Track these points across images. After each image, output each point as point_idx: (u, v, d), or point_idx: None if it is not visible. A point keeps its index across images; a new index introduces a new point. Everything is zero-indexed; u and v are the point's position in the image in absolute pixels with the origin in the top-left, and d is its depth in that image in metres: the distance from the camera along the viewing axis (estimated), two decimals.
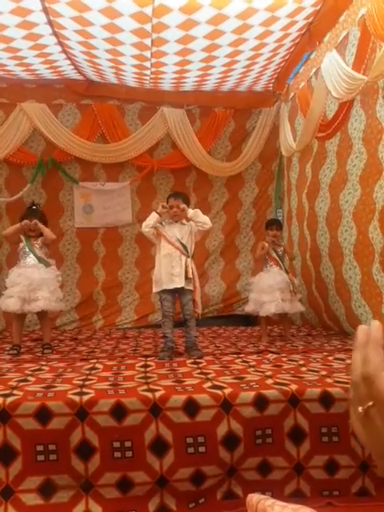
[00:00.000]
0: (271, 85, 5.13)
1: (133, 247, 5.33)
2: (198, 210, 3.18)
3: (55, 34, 3.83)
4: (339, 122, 3.79)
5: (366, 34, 3.22)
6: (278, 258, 3.84)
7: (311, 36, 4.02)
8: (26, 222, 3.37)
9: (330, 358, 2.89)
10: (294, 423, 1.99)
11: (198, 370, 2.55)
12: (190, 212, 3.15)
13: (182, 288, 3.08)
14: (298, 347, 3.40)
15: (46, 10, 3.49)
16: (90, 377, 2.38)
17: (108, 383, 2.22)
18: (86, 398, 1.93)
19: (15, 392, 2.01)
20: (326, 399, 2.02)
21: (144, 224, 3.21)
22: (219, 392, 2.01)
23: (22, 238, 3.38)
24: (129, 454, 1.87)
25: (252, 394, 2.00)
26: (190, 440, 1.90)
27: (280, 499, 0.95)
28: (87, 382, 2.22)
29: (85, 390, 2.05)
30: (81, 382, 2.22)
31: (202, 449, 1.90)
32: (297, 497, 1.92)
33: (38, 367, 2.72)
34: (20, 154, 4.93)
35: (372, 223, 3.34)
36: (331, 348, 3.32)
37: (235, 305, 5.43)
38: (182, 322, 3.24)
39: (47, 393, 2.03)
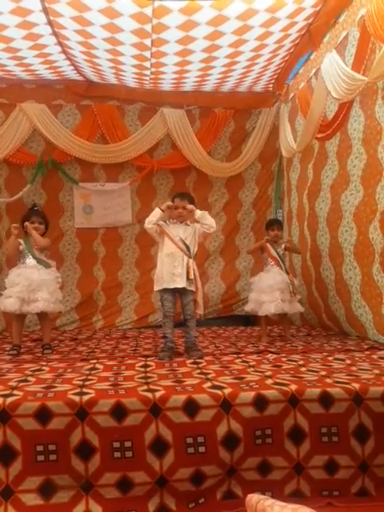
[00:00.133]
0: (271, 85, 5.14)
1: (133, 247, 5.33)
2: (205, 212, 3.19)
3: (55, 33, 3.84)
4: (339, 122, 3.79)
5: (366, 35, 3.22)
6: (278, 258, 3.84)
7: (311, 37, 4.02)
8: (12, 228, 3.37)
9: (330, 358, 2.89)
10: (293, 423, 1.99)
11: (198, 370, 2.55)
12: (198, 213, 3.16)
13: (184, 288, 3.08)
14: (297, 347, 3.40)
15: (45, 10, 3.50)
16: (90, 377, 2.38)
17: (108, 383, 2.22)
18: (86, 398, 1.93)
19: (15, 392, 2.01)
20: (326, 399, 2.02)
21: (147, 220, 3.21)
22: (219, 392, 2.01)
23: (21, 240, 3.37)
24: (129, 454, 1.87)
25: (252, 394, 2.00)
26: (189, 440, 1.90)
27: (280, 499, 0.96)
28: (87, 382, 2.22)
29: (85, 390, 2.05)
30: (81, 382, 2.22)
31: (201, 449, 1.90)
32: (297, 497, 1.92)
33: (38, 367, 2.72)
34: (20, 154, 4.93)
35: (372, 224, 3.34)
36: (331, 348, 3.32)
37: (235, 305, 5.43)
38: (182, 323, 3.24)
39: (47, 393, 2.03)
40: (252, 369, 2.56)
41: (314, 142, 4.36)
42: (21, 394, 1.99)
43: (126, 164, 5.23)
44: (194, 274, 3.10)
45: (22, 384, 2.20)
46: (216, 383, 2.17)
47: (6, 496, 1.81)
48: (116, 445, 1.87)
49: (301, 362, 2.73)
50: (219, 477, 1.92)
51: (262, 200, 5.56)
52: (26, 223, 3.37)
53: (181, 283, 3.06)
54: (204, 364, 2.76)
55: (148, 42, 3.91)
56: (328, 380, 2.21)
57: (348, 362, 2.74)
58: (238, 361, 2.85)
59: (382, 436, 2.01)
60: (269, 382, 2.18)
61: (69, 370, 2.59)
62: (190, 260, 3.11)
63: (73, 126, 5.10)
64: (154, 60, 4.26)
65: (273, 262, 3.85)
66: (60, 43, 4.01)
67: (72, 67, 4.57)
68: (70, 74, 4.76)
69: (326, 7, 3.64)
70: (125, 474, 1.86)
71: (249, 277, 5.01)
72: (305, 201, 4.65)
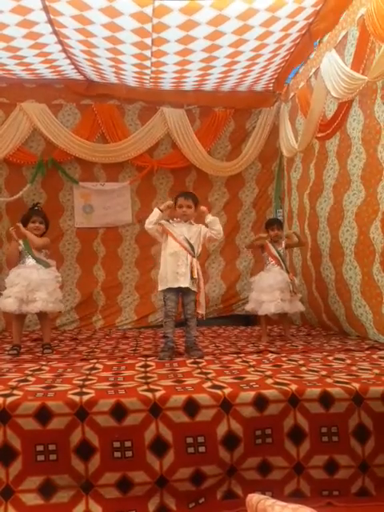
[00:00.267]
0: (271, 85, 5.13)
1: (133, 247, 5.33)
2: (216, 218, 3.24)
3: (55, 32, 3.83)
4: (338, 122, 3.79)
5: (365, 34, 3.22)
6: (279, 257, 3.84)
7: (311, 36, 4.02)
8: (11, 230, 3.37)
9: (330, 357, 2.89)
10: (293, 423, 1.99)
11: (198, 370, 2.55)
12: (210, 218, 3.20)
13: (187, 288, 3.07)
14: (297, 347, 3.40)
15: (46, 9, 3.49)
16: (90, 377, 2.38)
17: (108, 383, 2.22)
18: (86, 398, 1.93)
19: (15, 392, 2.01)
20: (326, 399, 2.02)
21: (147, 221, 3.21)
22: (219, 392, 2.01)
23: (20, 241, 3.37)
24: (129, 453, 1.87)
25: (252, 393, 2.00)
26: (189, 440, 1.90)
27: (280, 499, 0.96)
28: (87, 382, 2.22)
29: (85, 390, 2.05)
30: (81, 382, 2.22)
31: (201, 449, 1.90)
32: (297, 497, 1.92)
33: (38, 367, 2.72)
34: (20, 153, 4.93)
35: (374, 223, 3.34)
36: (331, 348, 3.32)
37: (235, 305, 5.43)
38: (183, 322, 3.24)
39: (47, 393, 2.02)
40: (252, 368, 2.56)
41: (315, 142, 4.36)
42: (21, 393, 1.99)
43: (126, 163, 5.23)
44: (198, 273, 3.09)
45: (21, 384, 2.20)
46: (216, 383, 2.17)
47: (6, 496, 1.81)
48: (116, 445, 1.87)
49: (301, 362, 2.73)
50: (219, 477, 1.91)
51: (262, 199, 5.56)
52: (18, 224, 3.36)
53: (184, 283, 3.05)
54: (204, 364, 2.76)
55: (148, 41, 3.91)
56: (328, 380, 2.21)
57: (348, 361, 2.74)
58: (238, 360, 2.85)
59: (382, 436, 2.01)
60: (269, 381, 2.18)
61: (69, 370, 2.59)
62: (194, 259, 3.10)
63: (73, 126, 5.10)
64: (154, 59, 4.26)
65: (273, 262, 3.85)
66: (60, 42, 4.01)
67: (72, 66, 4.56)
68: (70, 73, 4.76)
69: (327, 7, 3.64)
70: (125, 473, 1.86)
71: (249, 276, 5.01)
72: (306, 200, 4.64)
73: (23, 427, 1.86)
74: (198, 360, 2.89)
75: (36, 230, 3.43)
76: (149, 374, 2.43)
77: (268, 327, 4.17)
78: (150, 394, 1.97)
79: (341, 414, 2.01)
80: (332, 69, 3.64)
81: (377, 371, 2.41)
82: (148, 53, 4.12)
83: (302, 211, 4.75)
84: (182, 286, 3.06)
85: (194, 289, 3.09)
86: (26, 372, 2.55)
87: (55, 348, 3.52)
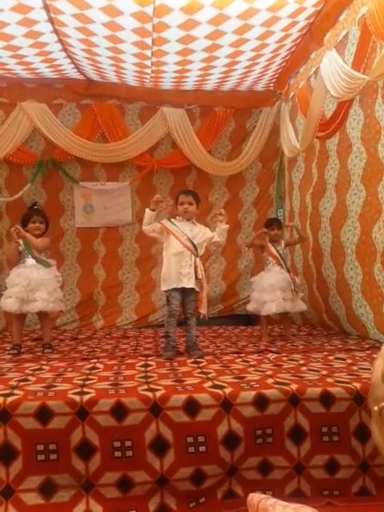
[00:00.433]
0: (272, 84, 5.13)
1: (133, 247, 5.33)
2: (227, 227, 3.29)
3: (56, 31, 3.83)
4: (339, 121, 3.79)
5: (366, 34, 3.22)
6: (279, 257, 3.84)
7: (312, 36, 4.01)
8: (12, 231, 3.36)
9: (331, 357, 2.89)
10: (294, 423, 1.99)
11: (199, 370, 2.55)
12: (223, 226, 3.23)
13: (190, 288, 3.07)
14: (298, 347, 3.40)
15: (46, 7, 3.48)
16: (90, 376, 2.38)
17: (108, 383, 2.21)
18: (86, 397, 1.93)
19: (16, 391, 2.01)
20: (327, 399, 2.02)
21: (143, 224, 3.20)
22: (220, 391, 2.01)
23: (20, 241, 3.37)
24: (129, 453, 1.87)
25: (252, 393, 2.00)
26: (190, 439, 1.90)
27: (280, 499, 0.95)
28: (88, 382, 2.22)
29: (85, 389, 2.05)
30: (81, 382, 2.22)
31: (202, 448, 1.90)
32: (297, 496, 1.92)
33: (38, 367, 2.72)
34: (20, 153, 4.93)
35: (377, 224, 3.33)
36: (332, 348, 3.32)
37: (235, 305, 5.43)
38: (182, 322, 3.23)
39: (47, 392, 2.02)
40: (253, 368, 2.56)
41: (315, 141, 4.36)
42: (21, 393, 1.99)
43: (127, 163, 5.23)
44: (202, 273, 3.09)
45: (22, 383, 2.20)
46: (217, 383, 2.17)
47: (6, 495, 1.81)
48: (116, 444, 1.87)
49: (301, 362, 2.73)
50: (220, 476, 1.91)
51: (262, 199, 5.56)
52: (17, 225, 3.36)
53: (189, 283, 3.04)
54: (204, 363, 2.75)
55: (149, 40, 3.91)
56: (329, 379, 2.21)
57: (349, 361, 2.74)
58: (238, 360, 2.85)
59: None
60: (269, 381, 2.18)
61: (69, 370, 2.59)
62: (197, 259, 3.09)
63: (73, 125, 5.09)
64: (154, 59, 4.25)
65: (273, 261, 3.84)
66: (61, 41, 4.00)
67: (72, 65, 4.56)
68: (71, 72, 4.76)
69: (328, 7, 3.63)
70: (125, 473, 1.86)
71: (249, 276, 5.01)
72: (308, 200, 4.63)
73: (23, 427, 1.86)
74: (198, 360, 2.89)
75: (36, 230, 3.42)
76: (149, 374, 2.43)
77: (269, 327, 4.17)
78: (150, 394, 1.97)
79: (341, 413, 2.01)
80: (332, 68, 3.64)
81: None
82: (148, 52, 4.12)
83: (304, 211, 4.75)
84: (186, 286, 3.04)
85: (198, 289, 3.08)
86: (27, 371, 2.55)
87: (55, 347, 3.52)
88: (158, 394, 1.97)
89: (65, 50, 4.18)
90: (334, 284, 4.09)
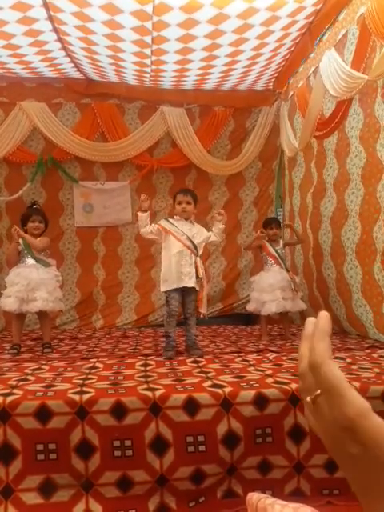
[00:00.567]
0: (271, 84, 5.13)
1: (133, 246, 5.32)
2: (224, 227, 3.32)
3: (55, 29, 3.82)
4: (337, 120, 3.79)
5: (366, 33, 3.21)
6: (277, 256, 3.84)
7: (312, 35, 4.01)
8: (13, 232, 3.36)
9: None
10: (294, 422, 1.99)
11: (198, 369, 2.55)
12: (221, 227, 3.24)
13: (192, 287, 3.06)
14: (298, 346, 3.39)
15: (46, 5, 3.48)
16: (90, 376, 2.38)
17: (108, 382, 2.21)
18: (86, 397, 1.93)
19: (15, 391, 2.01)
20: None
21: (139, 227, 3.21)
22: (219, 391, 2.01)
23: (20, 241, 3.36)
24: (129, 452, 1.87)
25: (252, 392, 2.00)
26: (190, 439, 1.90)
27: (280, 498, 0.95)
28: (87, 381, 2.22)
29: (85, 389, 2.05)
30: (81, 381, 2.22)
31: (202, 447, 1.90)
32: (297, 496, 1.92)
33: (37, 366, 2.72)
34: (19, 152, 4.92)
35: (377, 223, 3.33)
36: (331, 347, 3.31)
37: (235, 304, 5.43)
38: (182, 322, 3.23)
39: (47, 392, 2.02)
40: (252, 367, 2.56)
41: (313, 141, 4.36)
42: (21, 392, 1.99)
43: (126, 162, 5.23)
44: (203, 272, 3.08)
45: (21, 383, 2.20)
46: (216, 382, 2.17)
47: (6, 495, 1.81)
48: (116, 444, 1.87)
49: None
50: (219, 475, 1.91)
51: (262, 199, 5.55)
52: (15, 226, 3.35)
53: (189, 283, 3.03)
54: (204, 363, 2.76)
55: (148, 39, 3.90)
56: None
57: (348, 360, 2.74)
58: (238, 359, 2.85)
59: None
60: (269, 380, 2.18)
61: (69, 369, 2.59)
62: (198, 258, 3.08)
63: (72, 125, 5.09)
64: (154, 58, 4.25)
65: (272, 261, 3.84)
66: (60, 39, 4.00)
67: (72, 64, 4.56)
68: (70, 71, 4.76)
69: (327, 6, 3.63)
70: (125, 472, 1.86)
71: (249, 275, 5.01)
72: (309, 200, 4.63)
73: (23, 426, 1.86)
74: (198, 359, 2.89)
75: (36, 230, 3.42)
76: (149, 373, 2.43)
77: (268, 326, 4.17)
78: (150, 393, 1.97)
79: None
80: (331, 67, 3.64)
81: (377, 370, 2.41)
82: (148, 51, 4.12)
83: (304, 210, 4.74)
84: (187, 285, 3.04)
85: (199, 288, 3.08)
86: (26, 371, 2.55)
87: (55, 347, 3.52)
88: (158, 393, 1.97)
89: (64, 48, 4.18)
90: (333, 284, 4.10)
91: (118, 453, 1.87)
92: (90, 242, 5.26)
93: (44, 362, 2.85)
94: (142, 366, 2.69)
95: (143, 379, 2.26)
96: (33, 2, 3.43)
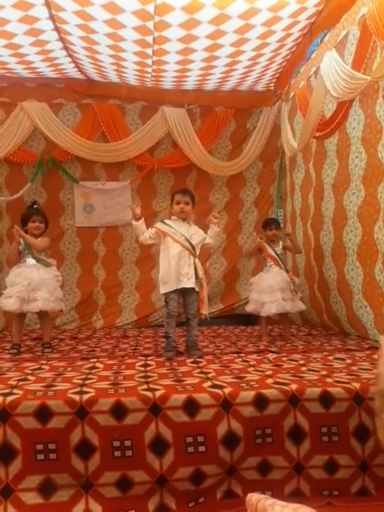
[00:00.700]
0: (272, 84, 5.13)
1: (133, 247, 5.32)
2: (220, 230, 3.36)
3: (57, 29, 3.82)
4: (338, 121, 3.79)
5: (366, 34, 3.21)
6: (277, 258, 3.83)
7: (313, 36, 4.01)
8: (14, 232, 3.36)
9: (330, 357, 2.88)
10: (293, 423, 1.99)
11: (198, 370, 2.55)
12: (217, 229, 3.26)
13: (189, 288, 3.06)
14: (298, 347, 3.40)
15: (48, 4, 3.47)
16: (90, 376, 2.38)
17: (108, 382, 2.21)
18: (86, 397, 1.93)
19: (15, 391, 2.01)
20: (326, 399, 2.02)
21: (137, 236, 3.23)
22: (219, 391, 2.01)
23: (21, 240, 3.36)
24: (129, 453, 1.87)
25: (252, 393, 2.00)
26: (189, 439, 1.90)
27: (280, 499, 0.95)
28: (87, 381, 2.22)
29: (85, 389, 2.05)
30: (81, 381, 2.22)
31: (201, 448, 1.90)
32: (297, 496, 1.92)
33: (38, 366, 2.72)
34: (20, 152, 4.93)
35: (377, 224, 3.33)
36: (331, 348, 3.32)
37: (235, 304, 5.43)
38: (182, 322, 3.22)
39: (47, 392, 2.02)
40: (252, 368, 2.56)
41: (312, 141, 4.36)
42: (21, 392, 1.99)
43: (127, 163, 5.23)
44: (202, 273, 3.08)
45: (21, 383, 2.20)
46: (216, 382, 2.17)
47: (5, 495, 1.81)
48: (116, 444, 1.87)
49: (301, 362, 2.73)
50: (219, 476, 1.91)
51: (263, 199, 5.55)
52: (16, 226, 3.35)
53: (189, 283, 3.03)
54: (204, 363, 2.75)
55: (150, 39, 3.90)
56: (328, 379, 2.21)
57: (348, 361, 2.74)
58: (238, 360, 2.85)
59: None
60: (269, 381, 2.18)
61: (69, 369, 2.59)
62: (196, 259, 3.08)
63: (73, 125, 5.09)
64: (155, 58, 4.25)
65: (272, 262, 3.84)
66: (62, 39, 4.00)
67: (73, 64, 4.56)
68: (71, 71, 4.76)
69: (329, 7, 3.63)
70: (124, 473, 1.86)
71: (249, 276, 5.01)
72: (310, 200, 4.62)
73: (23, 426, 1.86)
74: (198, 359, 2.89)
75: (36, 230, 3.43)
76: (149, 374, 2.43)
77: (268, 327, 4.17)
78: (150, 394, 1.97)
79: (341, 413, 2.01)
80: (332, 68, 3.63)
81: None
82: (149, 51, 4.12)
83: (306, 211, 4.74)
84: (186, 286, 3.03)
85: (199, 289, 3.08)
86: (26, 371, 2.55)
87: (55, 347, 3.52)
88: (158, 393, 1.97)
89: (66, 48, 4.18)
90: (334, 284, 4.09)
91: (117, 453, 1.87)
92: (91, 242, 5.26)
93: (44, 362, 2.85)
94: (142, 366, 2.69)
95: (143, 379, 2.26)
96: (34, 0, 3.43)
